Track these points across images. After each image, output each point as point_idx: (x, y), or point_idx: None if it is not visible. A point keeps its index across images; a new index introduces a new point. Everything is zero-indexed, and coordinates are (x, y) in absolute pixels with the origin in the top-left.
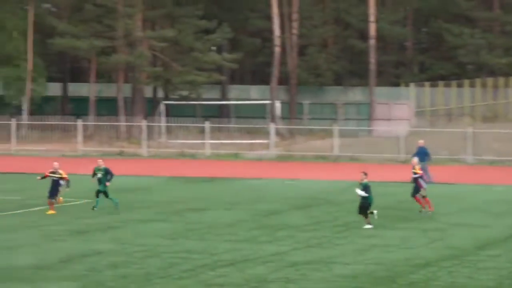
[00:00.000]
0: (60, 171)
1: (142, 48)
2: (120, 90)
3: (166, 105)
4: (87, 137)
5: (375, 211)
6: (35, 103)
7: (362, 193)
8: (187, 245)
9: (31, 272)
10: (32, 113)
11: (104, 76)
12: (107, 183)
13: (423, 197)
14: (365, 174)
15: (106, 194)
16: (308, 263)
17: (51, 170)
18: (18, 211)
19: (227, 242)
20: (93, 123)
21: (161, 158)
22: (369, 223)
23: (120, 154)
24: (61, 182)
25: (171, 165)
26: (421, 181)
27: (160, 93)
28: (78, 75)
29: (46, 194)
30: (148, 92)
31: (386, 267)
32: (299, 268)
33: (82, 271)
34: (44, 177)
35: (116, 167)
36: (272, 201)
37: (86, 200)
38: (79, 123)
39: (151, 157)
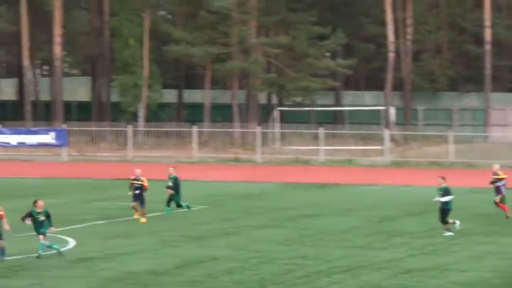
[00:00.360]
0: (142, 178)
1: (256, 55)
2: (234, 97)
3: (280, 111)
4: (202, 144)
5: (457, 222)
6: (151, 109)
7: (447, 198)
8: (301, 251)
9: (148, 277)
10: (148, 119)
11: (219, 82)
12: (166, 189)
13: (497, 203)
14: (443, 178)
15: (169, 202)
16: (423, 270)
17: (133, 177)
18: (134, 217)
19: (341, 248)
20: (208, 129)
21: (275, 164)
22: (449, 230)
23: (235, 160)
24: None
25: (285, 171)
26: (502, 188)
27: (274, 100)
28: (193, 82)
29: (132, 201)
30: (262, 98)
31: (502, 274)
32: (414, 275)
33: (198, 277)
34: (130, 186)
35: (231, 173)
36: (386, 208)
37: (202, 206)
38: (194, 129)
39: (265, 163)
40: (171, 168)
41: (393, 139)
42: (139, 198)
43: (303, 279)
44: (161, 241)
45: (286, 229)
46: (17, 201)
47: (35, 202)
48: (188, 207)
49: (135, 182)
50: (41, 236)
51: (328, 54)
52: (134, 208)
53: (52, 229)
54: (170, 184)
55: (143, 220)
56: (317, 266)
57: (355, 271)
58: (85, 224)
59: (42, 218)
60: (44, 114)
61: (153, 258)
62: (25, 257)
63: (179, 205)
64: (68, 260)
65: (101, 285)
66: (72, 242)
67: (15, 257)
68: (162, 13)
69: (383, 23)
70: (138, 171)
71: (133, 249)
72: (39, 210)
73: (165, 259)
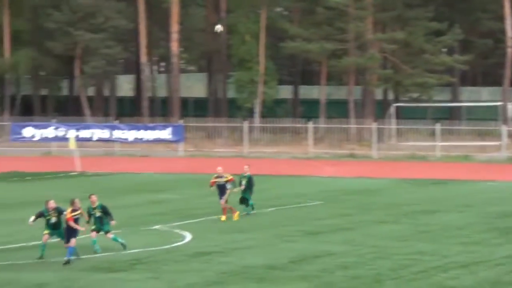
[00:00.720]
0: (226, 175)
1: (373, 51)
2: (350, 93)
3: (397, 107)
4: (318, 140)
5: None
6: (266, 105)
7: None
8: (418, 247)
9: (263, 271)
10: (263, 115)
11: (335, 78)
12: (234, 190)
13: None
14: None
15: (244, 200)
16: None
17: (216, 176)
18: (252, 212)
19: (458, 244)
20: (324, 125)
21: (391, 160)
22: None
23: (351, 156)
24: (227, 185)
25: (401, 167)
26: None
27: (390, 95)
28: (309, 78)
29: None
30: (378, 94)
31: None
32: None
33: (314, 271)
34: (211, 185)
35: (347, 169)
36: (504, 204)
37: (318, 202)
38: (310, 125)
39: (381, 159)
40: (246, 166)
41: (510, 135)
42: (224, 194)
43: (420, 275)
44: (277, 236)
45: (403, 225)
46: (133, 196)
47: (89, 197)
48: (252, 207)
49: (217, 180)
50: (109, 234)
51: (445, 49)
52: (225, 209)
53: (113, 222)
54: (244, 182)
55: (233, 212)
56: (434, 262)
57: (472, 267)
58: (201, 219)
59: (98, 213)
60: (160, 110)
61: (269, 253)
62: (142, 250)
63: (247, 204)
64: (185, 254)
65: (217, 279)
66: (189, 236)
67: (133, 250)
68: (278, 9)
69: (501, 19)
70: (219, 168)
71: (249, 243)
72: (93, 206)
73: (281, 254)
